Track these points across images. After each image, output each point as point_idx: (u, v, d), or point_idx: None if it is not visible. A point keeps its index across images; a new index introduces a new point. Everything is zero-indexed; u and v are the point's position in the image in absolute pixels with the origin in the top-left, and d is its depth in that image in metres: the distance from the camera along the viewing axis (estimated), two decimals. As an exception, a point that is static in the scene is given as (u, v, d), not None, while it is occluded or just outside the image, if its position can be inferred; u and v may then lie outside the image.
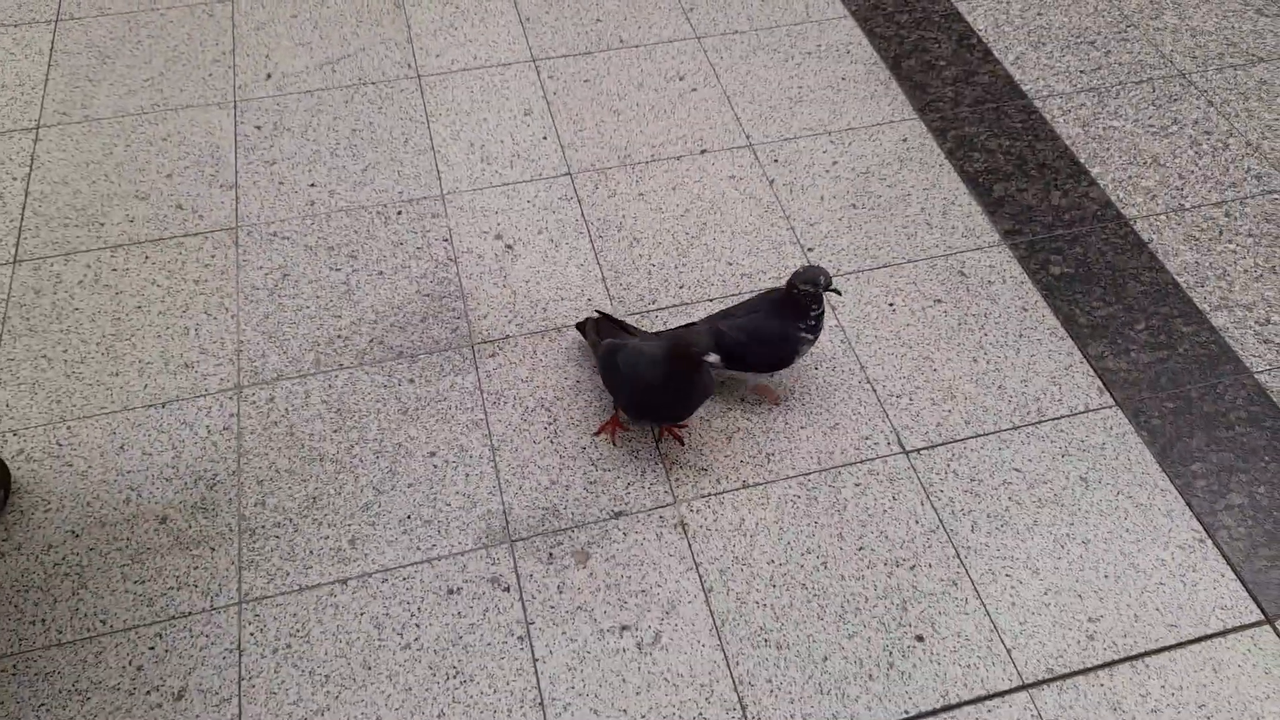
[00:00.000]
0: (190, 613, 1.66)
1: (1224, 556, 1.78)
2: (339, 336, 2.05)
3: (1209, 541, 1.80)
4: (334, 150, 2.42)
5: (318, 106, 2.53)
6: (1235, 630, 1.69)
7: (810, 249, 2.25)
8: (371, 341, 2.05)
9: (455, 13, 2.81)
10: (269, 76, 2.61)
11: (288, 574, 1.72)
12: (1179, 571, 1.76)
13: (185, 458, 1.86)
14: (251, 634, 1.64)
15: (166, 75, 2.60)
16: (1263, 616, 1.71)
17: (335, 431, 1.91)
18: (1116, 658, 1.65)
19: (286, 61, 2.65)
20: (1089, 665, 1.64)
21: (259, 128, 2.48)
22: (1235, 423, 1.96)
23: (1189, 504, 1.84)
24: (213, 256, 2.20)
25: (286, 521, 1.78)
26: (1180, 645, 1.67)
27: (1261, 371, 2.05)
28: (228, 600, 1.68)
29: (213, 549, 1.74)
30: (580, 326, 1.99)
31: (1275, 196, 2.38)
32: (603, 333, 1.92)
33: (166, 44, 2.69)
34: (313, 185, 2.35)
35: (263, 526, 1.77)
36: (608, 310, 2.09)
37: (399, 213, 2.29)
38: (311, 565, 1.73)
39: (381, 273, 2.17)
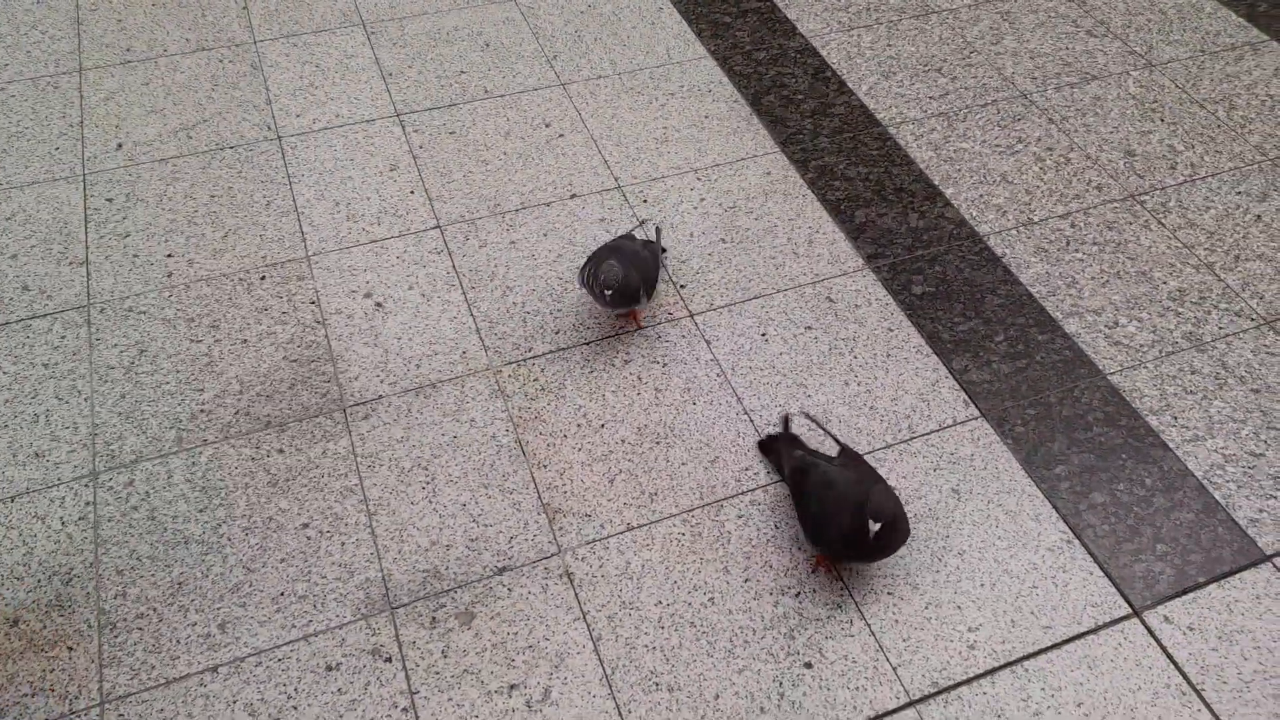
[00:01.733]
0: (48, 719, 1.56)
1: (1091, 555, 1.85)
2: (202, 411, 1.98)
3: (1076, 542, 1.87)
4: (191, 219, 2.35)
5: (173, 174, 2.46)
6: (1106, 626, 1.75)
7: (683, 285, 2.28)
8: (237, 413, 1.98)
9: (315, 71, 2.78)
10: (120, 146, 2.53)
11: (153, 667, 1.63)
12: (1050, 573, 1.82)
13: (38, 553, 1.75)
14: (113, 737, 1.55)
15: (9, 152, 2.49)
16: (1130, 610, 1.78)
17: (200, 511, 1.83)
18: (997, 665, 1.69)
19: (138, 130, 2.57)
20: (971, 675, 1.68)
21: (110, 200, 2.39)
22: (1093, 424, 2.06)
23: (1055, 506, 1.91)
24: (62, 338, 2.10)
25: (150, 611, 1.69)
26: (1056, 646, 1.72)
27: (1114, 373, 2.15)
28: (88, 702, 1.58)
29: (70, 649, 1.64)
30: (764, 447, 1.98)
31: (1115, 205, 2.53)
32: (783, 452, 1.89)
33: (9, 119, 2.58)
34: (169, 256, 2.27)
35: (124, 619, 1.68)
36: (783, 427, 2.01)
37: (262, 278, 2.23)
38: (179, 655, 1.64)
39: (245, 341, 2.10)
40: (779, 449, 1.92)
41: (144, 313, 2.15)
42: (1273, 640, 1.74)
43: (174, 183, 2.44)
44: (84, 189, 2.41)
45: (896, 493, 1.75)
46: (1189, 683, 1.68)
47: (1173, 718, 1.64)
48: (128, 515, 1.81)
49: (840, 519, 1.66)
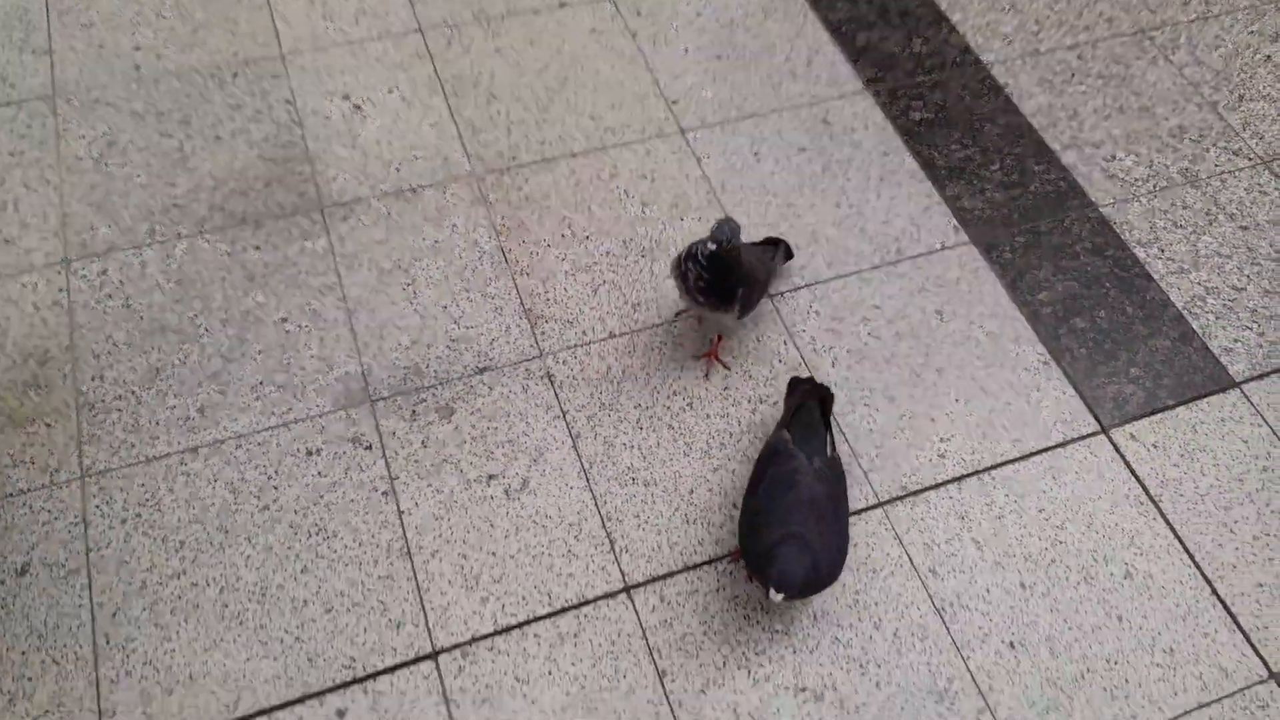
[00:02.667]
0: (29, 489, 1.58)
1: (1066, 376, 1.87)
2: (175, 205, 1.93)
3: (1053, 364, 1.88)
4: (159, 10, 2.23)
5: (139, -36, 2.32)
6: (1073, 441, 1.79)
7: (675, 101, 2.20)
8: (211, 208, 1.93)
9: None
10: (81, -68, 2.37)
11: (133, 446, 1.64)
12: (1024, 392, 1.84)
13: (12, 335, 1.74)
14: (97, 506, 1.57)
15: (-40, -68, 2.33)
16: (1099, 427, 1.81)
17: (176, 302, 1.80)
18: (965, 472, 1.74)
19: (100, -85, 2.41)
20: (940, 481, 1.72)
21: (72, -13, 2.26)
22: (1080, 253, 2.04)
23: (1035, 330, 1.92)
24: (29, 127, 2.01)
25: (128, 394, 1.69)
26: (1024, 458, 1.77)
27: (1106, 205, 2.12)
28: (69, 475, 1.60)
29: (49, 425, 1.65)
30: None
31: (1124, 39, 2.44)
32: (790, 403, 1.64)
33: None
34: (137, 49, 2.16)
35: (102, 400, 1.68)
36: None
37: (235, 75, 2.14)
38: (158, 436, 1.65)
39: (219, 138, 2.03)
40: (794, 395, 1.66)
41: (111, 105, 2.06)
42: (1231, 459, 1.79)
43: (139, -28, 2.30)
44: (43, -26, 2.27)
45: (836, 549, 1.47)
46: (1148, 494, 1.74)
47: (1128, 523, 1.70)
48: (102, 303, 1.79)
49: (759, 544, 1.42)
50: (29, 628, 1.47)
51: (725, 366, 1.82)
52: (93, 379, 1.70)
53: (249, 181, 1.97)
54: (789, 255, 1.91)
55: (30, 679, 1.43)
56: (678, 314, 1.87)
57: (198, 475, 1.62)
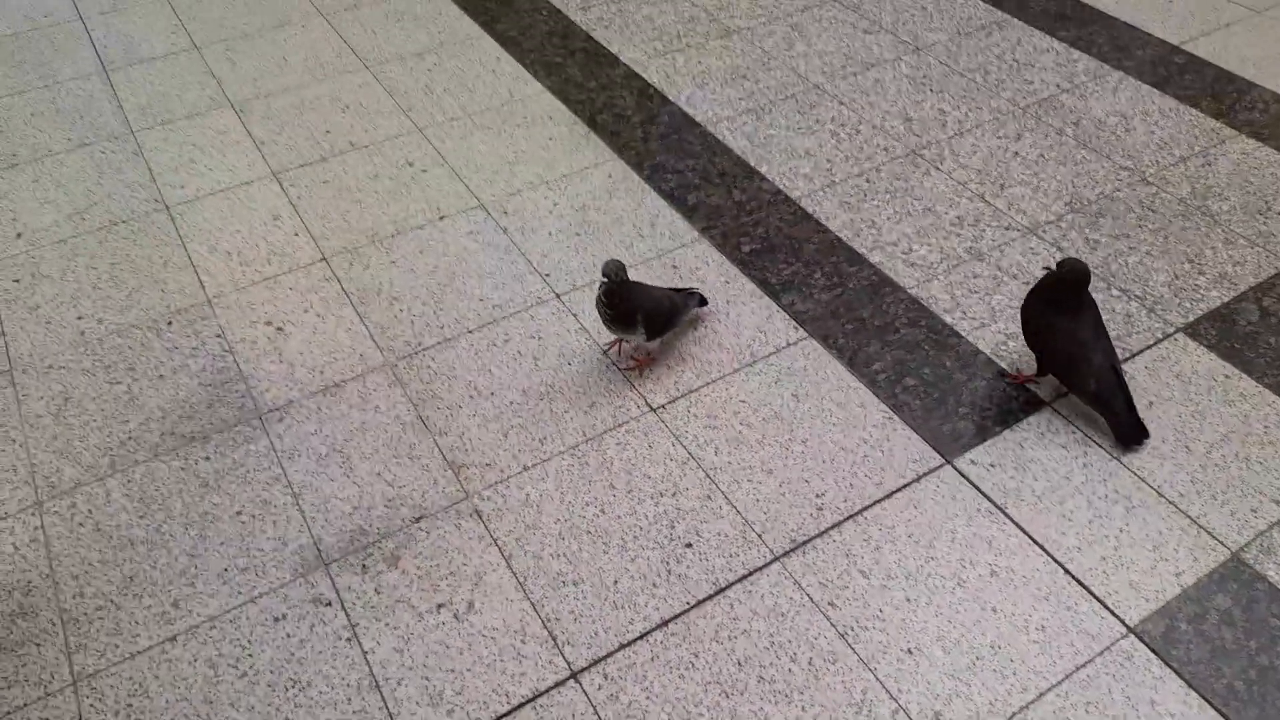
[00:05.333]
0: (25, 704, 1.74)
1: (909, 424, 2.23)
2: (130, 438, 2.20)
3: (896, 418, 2.25)
4: (95, 285, 2.59)
5: (72, 252, 2.69)
6: (925, 475, 2.13)
7: (547, 274, 2.62)
8: (163, 435, 2.21)
9: (193, 149, 3.06)
10: (19, 236, 2.75)
11: (117, 646, 1.83)
12: (877, 444, 2.19)
13: (-6, 576, 1.94)
14: (91, 705, 1.74)
15: (-90, 255, 2.69)
16: (943, 459, 2.16)
17: (141, 518, 2.05)
18: (842, 518, 2.04)
19: (35, 220, 2.80)
20: (822, 529, 2.02)
21: (17, 281, 2.61)
22: (900, 328, 2.46)
23: (875, 394, 2.30)
24: (-11, 400, 2.30)
25: (108, 603, 1.90)
26: (888, 497, 2.09)
27: (913, 287, 2.57)
28: (61, 684, 1.78)
29: (38, 645, 1.83)
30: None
31: (900, 160, 3.00)
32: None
33: (-95, 228, 2.78)
34: (80, 318, 2.50)
35: (85, 613, 1.88)
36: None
37: (169, 324, 2.48)
38: (139, 633, 1.85)
39: (162, 376, 2.34)
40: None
41: (64, 368, 2.37)
42: (1056, 463, 2.14)
43: (75, 258, 2.67)
44: (-11, 275, 2.62)
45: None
46: (995, 505, 2.06)
47: (984, 531, 2.01)
48: (74, 531, 2.02)
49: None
50: (38, 827, 1.60)
51: (643, 366, 2.35)
52: (74, 596, 1.91)
53: (193, 407, 2.27)
54: (703, 302, 2.47)
55: None
56: (605, 347, 2.38)
57: (179, 659, 1.81)
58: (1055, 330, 2.18)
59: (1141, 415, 2.19)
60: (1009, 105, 3.21)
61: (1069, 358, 2.17)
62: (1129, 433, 2.16)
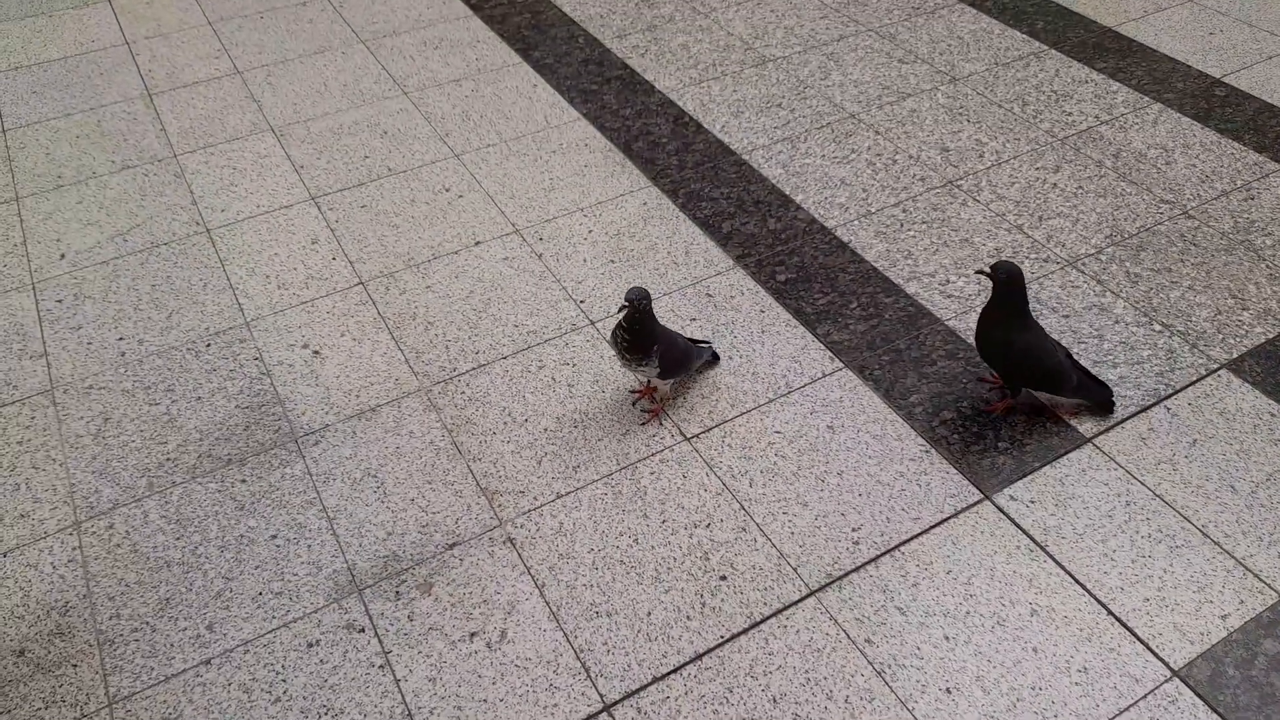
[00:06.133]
0: (60, 725, 1.75)
1: (947, 459, 2.20)
2: (168, 460, 2.22)
3: (933, 451, 2.22)
4: (137, 306, 2.62)
5: (114, 274, 2.74)
6: (964, 510, 2.10)
7: (582, 301, 2.63)
8: (200, 456, 2.23)
9: (233, 173, 3.11)
10: (63, 257, 2.80)
11: (152, 669, 1.84)
12: (914, 478, 2.16)
13: (34, 594, 1.96)
14: (125, 727, 1.75)
15: (-42, 274, 2.74)
16: (982, 495, 2.13)
17: (177, 539, 2.06)
18: (878, 553, 2.02)
19: (78, 241, 2.85)
20: (859, 564, 2.00)
21: (60, 301, 2.65)
22: (937, 360, 2.44)
23: (913, 427, 2.27)
24: (32, 418, 2.32)
25: (144, 625, 1.91)
26: (925, 532, 2.06)
27: (950, 319, 2.55)
28: (97, 705, 1.78)
29: (75, 666, 1.84)
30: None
31: (937, 190, 2.98)
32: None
33: (-46, 247, 2.84)
34: (121, 339, 2.53)
35: (120, 635, 1.89)
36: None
37: (208, 345, 2.51)
38: (174, 656, 1.86)
39: (200, 398, 2.36)
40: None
41: (104, 388, 2.40)
42: (1098, 500, 2.10)
43: (116, 279, 2.71)
44: (34, 295, 2.67)
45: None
46: (1035, 542, 2.03)
47: (1024, 569, 1.98)
48: (112, 553, 2.03)
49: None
50: None
51: (656, 415, 2.31)
52: (110, 618, 1.92)
53: (230, 429, 2.29)
54: (715, 358, 2.41)
55: None
56: (632, 396, 2.34)
57: (213, 683, 1.82)
58: (1018, 346, 2.18)
59: (1186, 453, 2.16)
60: (1047, 136, 3.20)
61: (1044, 369, 2.20)
62: (1107, 401, 2.27)
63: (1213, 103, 3.33)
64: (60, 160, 3.19)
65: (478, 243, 2.82)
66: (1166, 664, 1.83)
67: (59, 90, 3.56)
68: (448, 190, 3.02)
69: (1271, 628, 1.88)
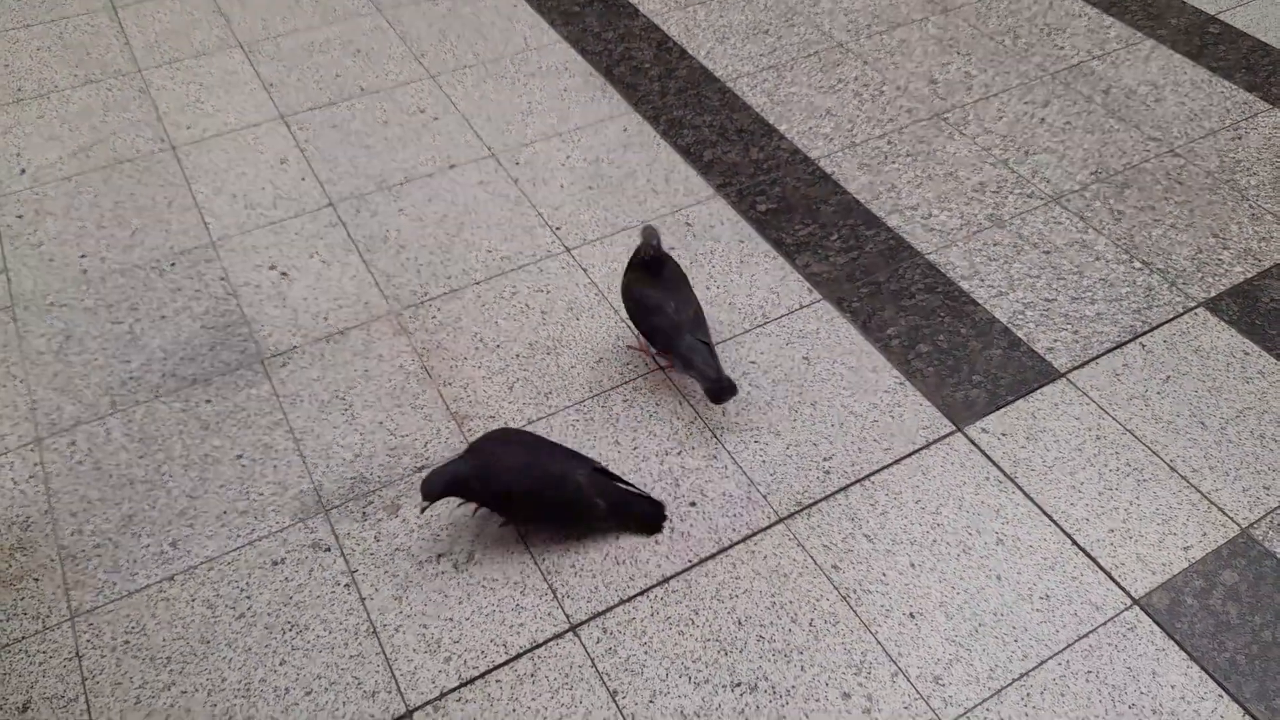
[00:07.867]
0: (23, 637, 1.74)
1: (921, 391, 2.19)
2: (131, 378, 2.18)
3: (908, 384, 2.21)
4: (99, 223, 2.55)
5: (76, 190, 2.65)
6: (935, 442, 2.09)
7: (558, 227, 2.58)
8: (164, 375, 2.18)
9: (200, 89, 3.01)
10: (24, 172, 2.71)
11: (115, 584, 1.82)
12: (888, 409, 2.15)
13: (-7, 511, 1.93)
14: (88, 640, 1.74)
15: (-86, 186, 2.65)
16: (954, 427, 2.12)
17: (140, 458, 2.03)
18: (848, 482, 2.01)
19: (39, 156, 2.76)
20: (829, 492, 2.00)
21: (20, 216, 2.57)
22: (916, 293, 2.42)
23: (889, 360, 2.26)
24: (-9, 335, 2.27)
25: (106, 541, 1.89)
26: (896, 462, 2.06)
27: (931, 253, 2.52)
28: (59, 619, 1.77)
29: (36, 580, 1.82)
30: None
31: (924, 123, 2.93)
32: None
33: (-91, 159, 2.74)
34: (83, 256, 2.47)
35: (83, 550, 1.87)
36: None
37: (172, 264, 2.44)
38: (137, 572, 1.84)
39: (164, 317, 2.31)
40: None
41: (65, 305, 2.34)
42: (1068, 434, 2.11)
43: (79, 195, 2.63)
44: (-7, 210, 2.59)
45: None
46: (1004, 473, 2.03)
47: (992, 500, 1.98)
48: (74, 470, 2.00)
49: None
50: (33, 760, 1.60)
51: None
52: (72, 534, 1.90)
53: (195, 349, 2.24)
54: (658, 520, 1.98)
55: (39, 804, 1.56)
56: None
57: (176, 599, 1.80)
58: (640, 302, 2.11)
59: (1159, 389, 2.15)
60: (1037, 70, 3.13)
61: (658, 329, 2.08)
62: (726, 388, 2.02)
63: (1206, 40, 3.27)
64: (20, 73, 3.07)
65: (452, 166, 2.75)
66: (1127, 592, 1.85)
67: (18, 0, 3.42)
68: (422, 111, 2.94)
69: (1231, 559, 1.90)
